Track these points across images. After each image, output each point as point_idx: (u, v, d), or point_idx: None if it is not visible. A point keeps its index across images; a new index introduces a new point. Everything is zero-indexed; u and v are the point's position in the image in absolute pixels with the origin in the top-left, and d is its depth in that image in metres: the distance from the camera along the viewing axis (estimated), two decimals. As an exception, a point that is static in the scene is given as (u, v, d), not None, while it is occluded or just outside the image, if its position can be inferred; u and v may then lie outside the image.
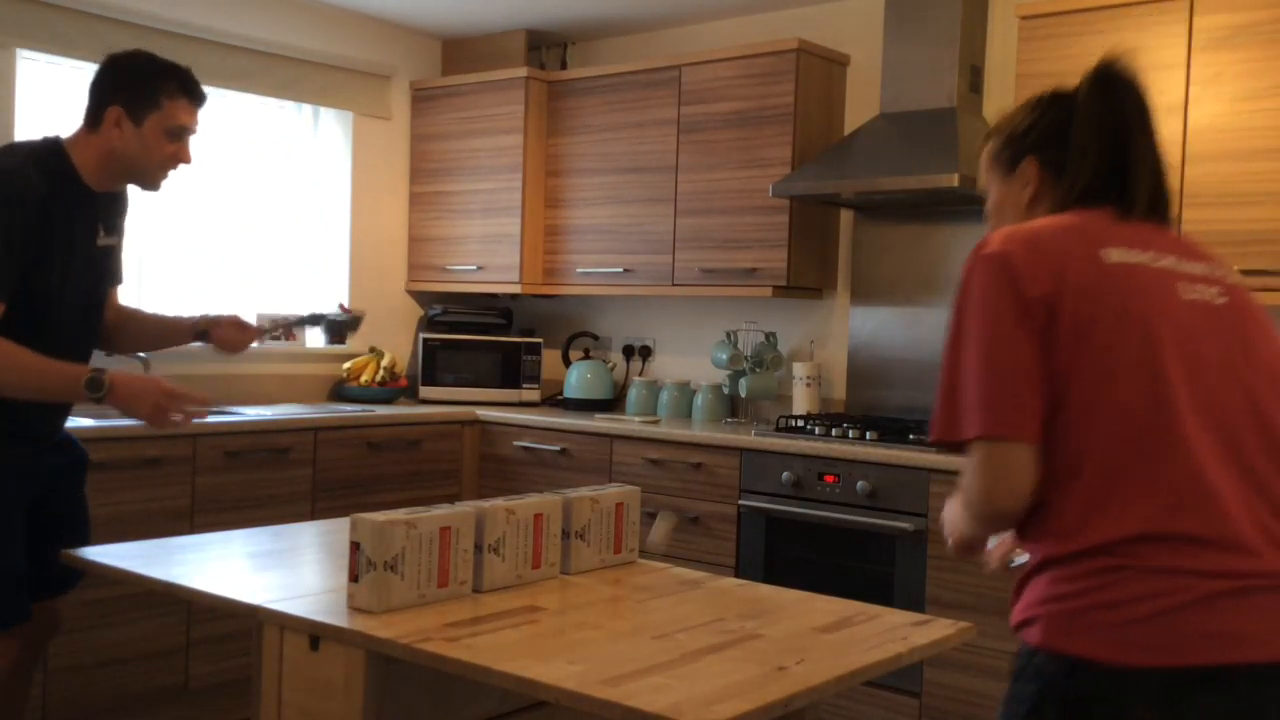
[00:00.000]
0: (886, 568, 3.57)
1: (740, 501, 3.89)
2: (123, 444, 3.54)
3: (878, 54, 4.22)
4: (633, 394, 4.71)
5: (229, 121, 4.63)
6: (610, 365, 4.95)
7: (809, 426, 3.92)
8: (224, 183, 4.64)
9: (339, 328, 3.06)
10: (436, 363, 4.92)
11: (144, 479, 3.60)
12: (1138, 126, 1.58)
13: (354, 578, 1.98)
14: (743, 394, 4.35)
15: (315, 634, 1.91)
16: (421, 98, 5.15)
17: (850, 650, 1.86)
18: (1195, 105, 3.33)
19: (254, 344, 3.10)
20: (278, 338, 3.24)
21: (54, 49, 3.98)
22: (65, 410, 2.79)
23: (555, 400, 5.00)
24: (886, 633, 1.98)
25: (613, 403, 4.87)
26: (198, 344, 3.06)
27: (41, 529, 2.72)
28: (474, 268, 4.97)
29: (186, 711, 3.73)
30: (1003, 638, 3.16)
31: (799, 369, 4.34)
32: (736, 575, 3.81)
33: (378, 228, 5.10)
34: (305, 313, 3.08)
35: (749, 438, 3.90)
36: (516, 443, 4.53)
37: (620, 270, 4.63)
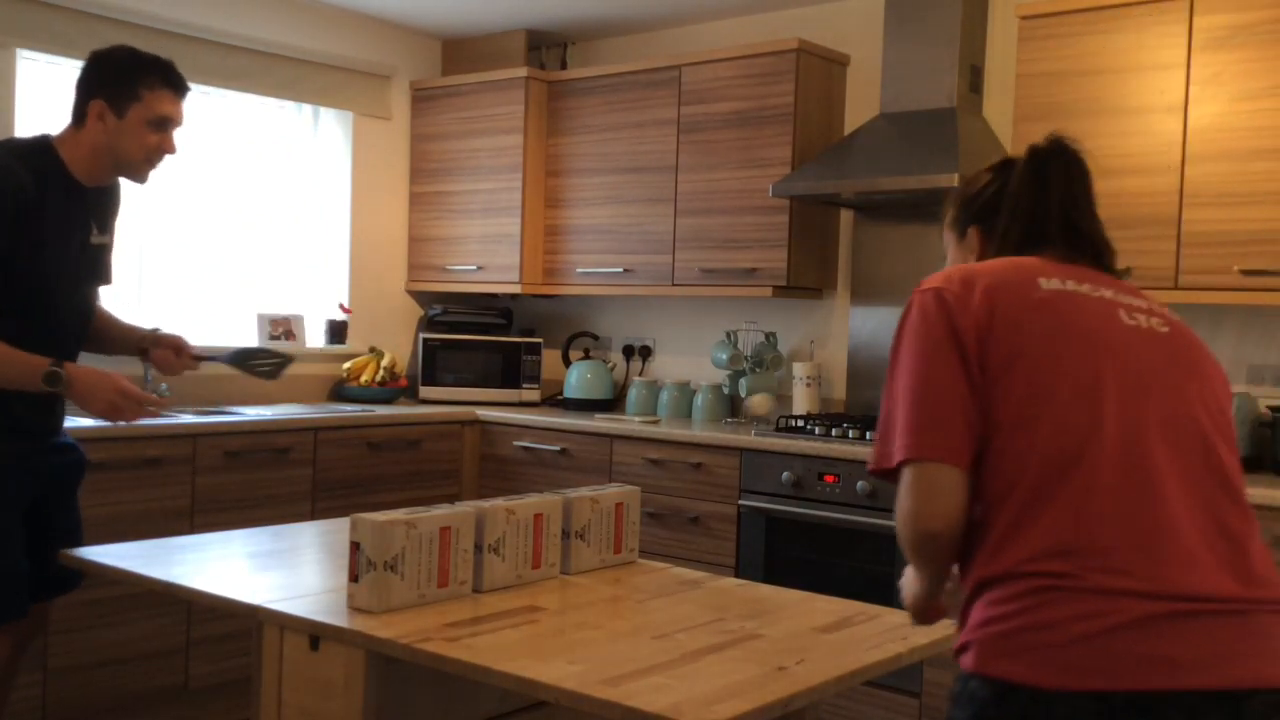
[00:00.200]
0: (886, 568, 3.57)
1: (740, 501, 3.89)
2: (122, 444, 3.54)
3: (878, 54, 4.22)
4: (633, 394, 4.71)
5: (229, 121, 4.63)
6: (610, 365, 4.95)
7: (809, 426, 3.92)
8: (224, 183, 4.63)
9: (266, 372, 3.04)
10: (436, 363, 4.92)
11: (144, 479, 3.60)
12: (1067, 198, 1.63)
13: (354, 578, 1.98)
14: (743, 394, 4.35)
15: (315, 634, 1.91)
16: (421, 98, 5.15)
17: (850, 650, 1.86)
18: (1195, 105, 3.33)
19: (187, 370, 3.11)
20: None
21: (54, 49, 3.98)
22: (61, 407, 2.80)
23: (555, 400, 5.00)
24: (886, 633, 1.98)
25: (613, 403, 4.87)
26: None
27: (39, 530, 2.72)
28: (474, 268, 4.97)
29: (186, 711, 3.73)
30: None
31: (799, 369, 4.34)
32: (736, 575, 3.81)
33: (378, 228, 5.10)
34: (238, 347, 3.10)
35: (749, 438, 3.90)
36: (516, 443, 4.53)
37: (620, 270, 4.63)
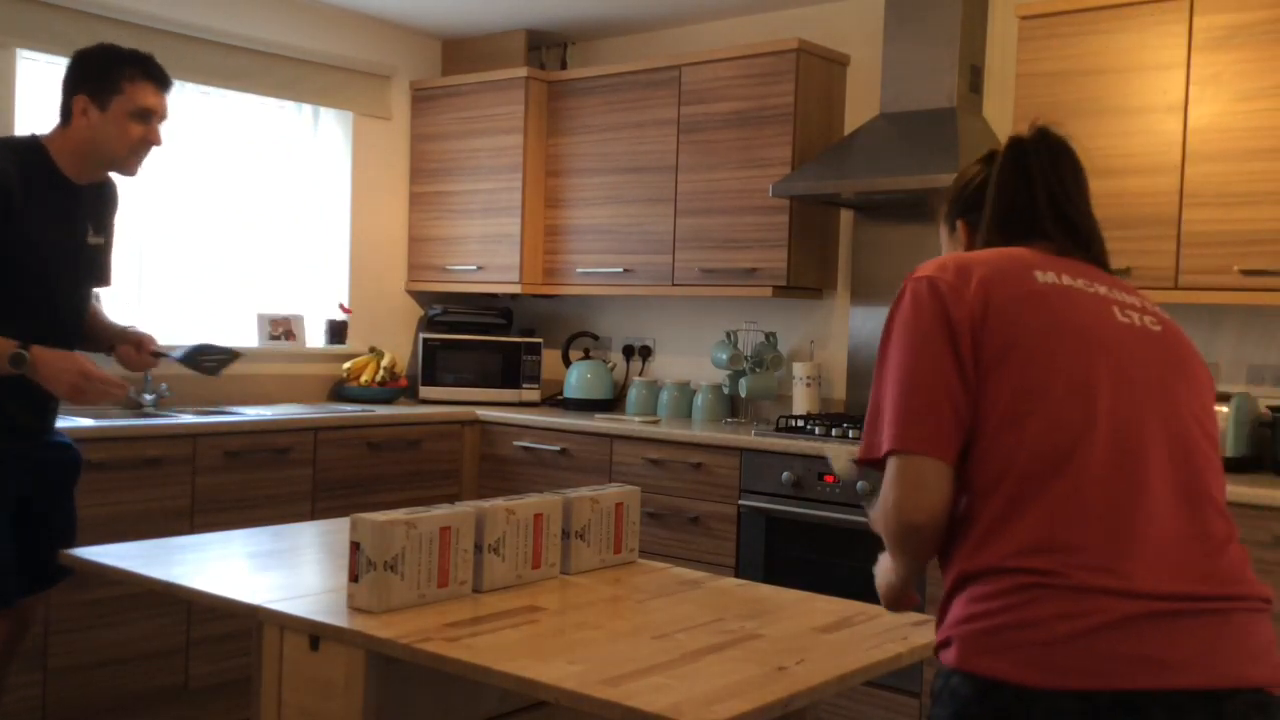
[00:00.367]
0: (886, 568, 3.56)
1: (740, 501, 3.89)
2: (122, 444, 3.54)
3: (878, 54, 4.22)
4: (633, 394, 4.71)
5: (229, 121, 4.63)
6: (610, 365, 4.95)
7: (809, 426, 3.92)
8: (224, 183, 4.63)
9: (210, 368, 3.08)
10: (436, 363, 4.92)
11: (144, 479, 3.60)
12: (1055, 186, 1.61)
13: (354, 578, 1.98)
14: (743, 394, 4.35)
15: (315, 634, 1.91)
16: (421, 98, 5.15)
17: (850, 650, 1.86)
18: (1195, 105, 3.33)
19: (150, 368, 3.15)
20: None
21: (54, 49, 3.98)
22: (51, 404, 2.82)
23: (555, 400, 5.00)
24: (886, 633, 1.98)
25: (613, 403, 4.87)
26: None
27: (30, 526, 2.74)
28: (474, 268, 4.97)
29: (186, 711, 3.73)
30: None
31: (799, 369, 4.34)
32: (736, 575, 3.81)
33: (378, 228, 5.10)
34: (192, 345, 3.13)
35: (749, 438, 3.90)
36: (516, 443, 4.53)
37: (620, 270, 4.63)
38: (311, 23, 4.77)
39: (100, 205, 2.85)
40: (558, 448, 4.40)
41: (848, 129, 4.39)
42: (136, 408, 4.05)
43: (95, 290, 2.98)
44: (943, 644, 1.45)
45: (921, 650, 1.94)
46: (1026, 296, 1.48)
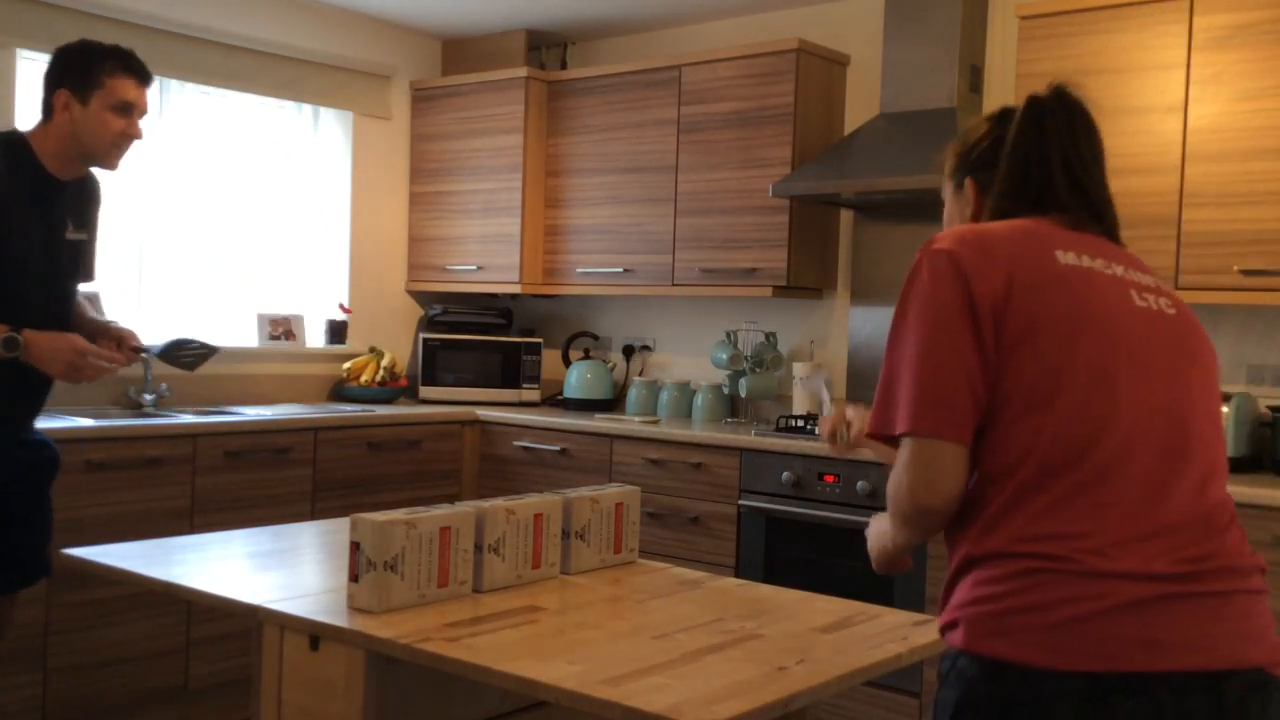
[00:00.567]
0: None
1: (740, 501, 3.89)
2: (122, 444, 3.54)
3: (878, 54, 4.22)
4: (633, 394, 4.71)
5: (229, 121, 4.63)
6: (610, 365, 4.95)
7: (809, 426, 3.92)
8: (224, 183, 4.63)
9: (187, 363, 3.10)
10: (436, 363, 4.92)
11: (144, 479, 3.60)
12: (1070, 149, 1.58)
13: (354, 578, 1.98)
14: (743, 394, 4.35)
15: (315, 634, 1.91)
16: (421, 98, 5.15)
17: (850, 650, 1.86)
18: (1195, 105, 3.33)
19: (131, 363, 3.14)
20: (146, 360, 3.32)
21: (54, 49, 3.97)
22: (30, 401, 2.84)
23: (555, 400, 5.00)
24: (886, 633, 1.98)
25: (613, 403, 4.87)
26: None
27: (9, 525, 2.76)
28: (474, 268, 4.97)
29: (186, 711, 3.73)
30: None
31: (799, 369, 4.34)
32: (736, 575, 3.81)
33: (378, 228, 5.10)
34: (170, 339, 3.14)
35: (749, 438, 3.90)
36: (516, 443, 4.53)
37: (620, 270, 4.63)
38: (311, 23, 4.77)
39: (82, 201, 2.88)
40: (558, 448, 4.40)
41: (848, 129, 4.39)
42: (136, 408, 4.05)
43: (85, 287, 3.00)
44: (949, 625, 1.45)
45: (921, 650, 1.94)
46: (1050, 281, 1.46)
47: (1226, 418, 3.31)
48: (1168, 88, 3.37)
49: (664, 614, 2.05)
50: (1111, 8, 3.46)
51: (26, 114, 3.96)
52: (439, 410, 4.63)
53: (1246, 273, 3.23)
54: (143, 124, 2.85)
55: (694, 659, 1.77)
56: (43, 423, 3.44)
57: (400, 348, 5.19)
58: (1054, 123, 1.58)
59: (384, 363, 4.83)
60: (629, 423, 4.29)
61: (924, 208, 4.12)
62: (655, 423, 4.36)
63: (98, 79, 2.74)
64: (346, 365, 4.83)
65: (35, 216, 2.72)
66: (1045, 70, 3.57)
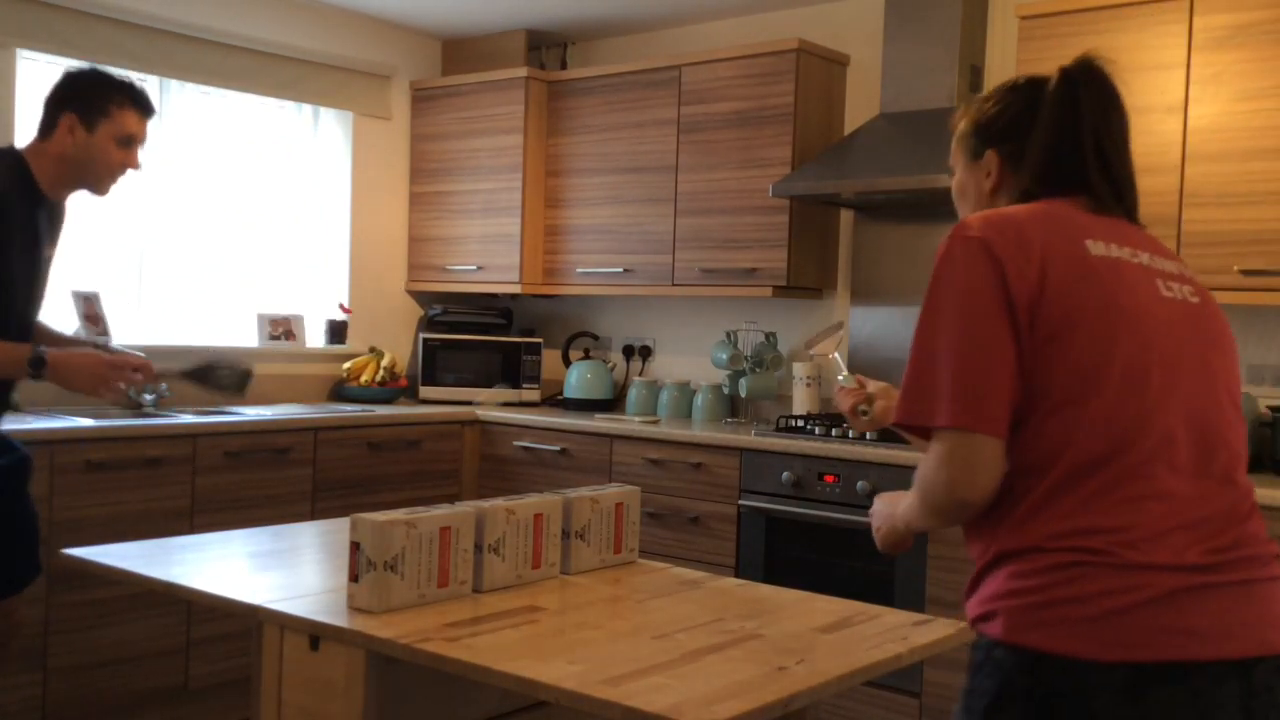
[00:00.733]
0: (886, 568, 3.57)
1: (740, 501, 3.89)
2: (123, 444, 3.54)
3: (878, 54, 4.22)
4: (633, 394, 4.71)
5: (229, 121, 4.63)
6: (610, 365, 4.95)
7: (809, 426, 3.92)
8: (224, 183, 4.63)
9: (224, 381, 3.03)
10: (436, 363, 4.92)
11: (144, 479, 3.60)
12: (1101, 126, 1.58)
13: (354, 578, 1.98)
14: (743, 394, 4.35)
15: (315, 634, 1.91)
16: (421, 98, 5.15)
17: (850, 650, 1.86)
18: (1195, 105, 3.33)
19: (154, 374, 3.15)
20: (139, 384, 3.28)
21: (54, 49, 3.98)
22: (2, 405, 2.83)
23: (555, 400, 5.00)
24: (886, 633, 1.98)
25: (613, 403, 4.87)
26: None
27: None
28: (474, 268, 4.97)
29: (186, 711, 3.73)
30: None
31: (799, 369, 4.34)
32: (736, 575, 3.81)
33: (378, 228, 5.10)
34: (197, 363, 3.09)
35: (749, 438, 3.90)
36: (516, 443, 4.53)
37: (620, 270, 4.63)
38: (311, 23, 4.77)
39: (57, 220, 2.90)
40: (558, 448, 4.40)
41: (848, 129, 4.39)
42: (136, 408, 4.05)
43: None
44: (983, 617, 1.46)
45: (921, 650, 1.94)
46: (1083, 276, 1.46)
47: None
48: (1168, 88, 3.37)
49: (664, 614, 2.05)
50: (1111, 8, 3.46)
51: (27, 114, 3.96)
52: (439, 410, 4.63)
53: (1246, 273, 3.23)
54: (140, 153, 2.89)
55: (694, 659, 1.77)
56: (43, 423, 3.46)
57: (400, 348, 5.19)
58: (1087, 97, 1.58)
59: (384, 363, 4.83)
60: (629, 423, 4.29)
61: (924, 208, 4.12)
62: (655, 423, 4.36)
63: (106, 109, 2.77)
64: (346, 365, 4.83)
65: (27, 232, 2.73)
66: (1045, 70, 3.56)
